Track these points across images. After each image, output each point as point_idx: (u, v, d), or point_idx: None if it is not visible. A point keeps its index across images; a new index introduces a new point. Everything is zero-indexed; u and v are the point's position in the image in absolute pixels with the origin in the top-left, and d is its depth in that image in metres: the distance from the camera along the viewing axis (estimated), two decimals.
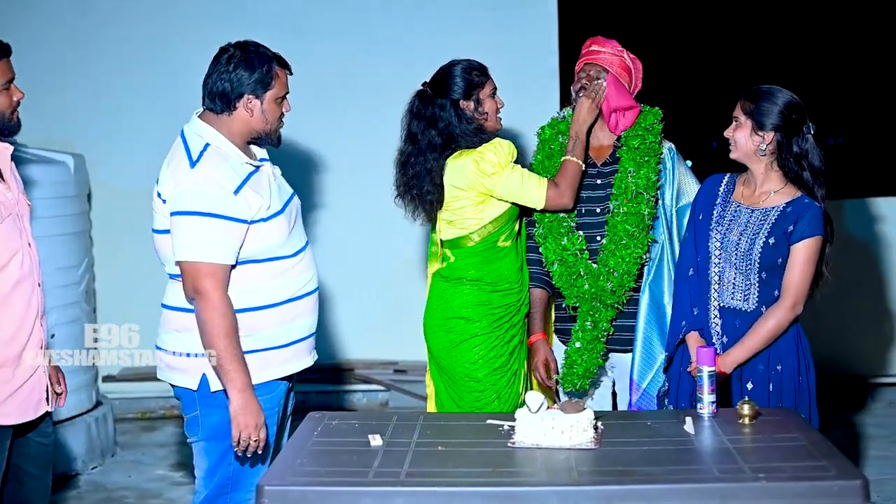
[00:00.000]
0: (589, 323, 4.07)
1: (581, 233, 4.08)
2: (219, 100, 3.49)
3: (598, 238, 4.06)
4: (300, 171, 6.49)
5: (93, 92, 6.67)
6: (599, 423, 3.22)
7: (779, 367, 3.77)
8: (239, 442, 3.39)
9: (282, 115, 3.58)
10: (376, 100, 6.68)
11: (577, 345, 4.08)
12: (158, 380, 3.65)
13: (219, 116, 3.51)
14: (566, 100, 6.45)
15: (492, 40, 6.63)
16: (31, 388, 3.33)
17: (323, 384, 6.70)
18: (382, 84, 6.65)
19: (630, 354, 4.13)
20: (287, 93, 3.58)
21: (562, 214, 4.07)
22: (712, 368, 3.36)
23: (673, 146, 4.18)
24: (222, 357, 3.37)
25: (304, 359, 3.66)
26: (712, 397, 3.35)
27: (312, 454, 3.09)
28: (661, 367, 4.03)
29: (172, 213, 3.40)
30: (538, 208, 4.04)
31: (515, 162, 4.05)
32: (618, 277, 4.03)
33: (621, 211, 4.01)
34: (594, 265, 4.05)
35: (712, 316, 3.84)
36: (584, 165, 4.05)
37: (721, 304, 3.83)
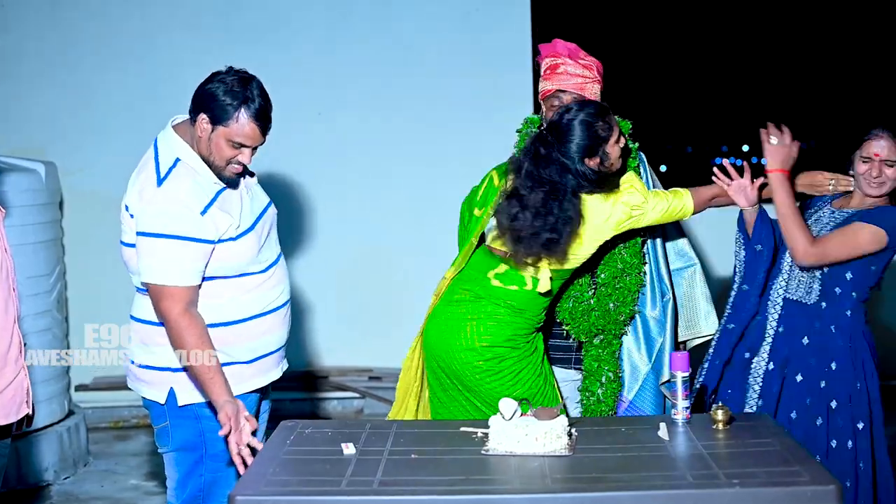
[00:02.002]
0: (605, 356, 4.04)
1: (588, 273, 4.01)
2: (191, 105, 3.44)
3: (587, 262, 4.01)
4: (276, 178, 6.46)
5: (65, 100, 6.62)
6: (573, 430, 3.21)
7: (833, 366, 3.80)
8: (233, 451, 3.34)
9: (232, 160, 3.41)
10: (352, 106, 6.67)
11: (604, 378, 4.03)
12: (131, 389, 3.64)
13: (188, 126, 3.47)
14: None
15: (465, 40, 6.65)
16: (14, 392, 3.32)
17: (297, 392, 6.68)
18: (357, 90, 6.65)
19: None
20: (248, 146, 3.40)
21: None
22: (686, 374, 3.37)
23: (642, 154, 4.17)
24: (195, 371, 3.36)
25: (272, 371, 3.65)
26: (686, 403, 3.35)
27: (285, 463, 3.07)
28: (646, 378, 4.03)
29: (138, 233, 3.38)
30: (685, 216, 4.01)
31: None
32: (625, 308, 4.02)
33: (616, 248, 4.00)
34: (597, 299, 4.02)
35: (772, 305, 3.94)
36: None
37: (786, 295, 3.93)
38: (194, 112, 3.41)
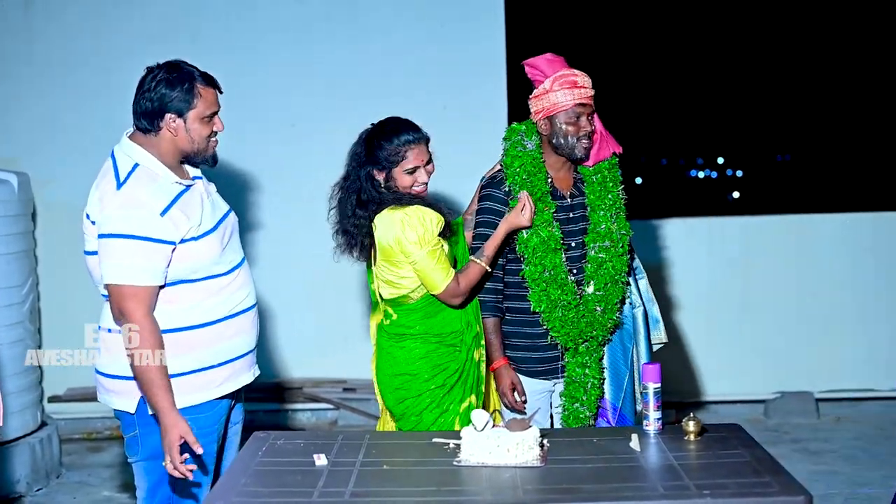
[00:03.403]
0: (591, 362, 4.05)
1: (572, 279, 4.01)
2: (144, 119, 3.49)
3: (575, 272, 4.01)
4: (241, 188, 6.46)
5: (38, 111, 6.59)
6: (545, 441, 3.22)
7: None
8: (170, 464, 3.35)
9: (212, 133, 3.55)
10: (318, 118, 6.66)
11: (589, 385, 4.04)
12: (100, 401, 3.62)
13: (147, 136, 3.50)
14: (515, 111, 6.49)
15: (438, 55, 6.65)
16: None
17: (270, 403, 6.65)
18: (324, 102, 6.65)
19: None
20: (216, 111, 3.55)
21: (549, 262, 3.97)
22: (657, 385, 3.38)
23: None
24: (144, 379, 3.37)
25: (243, 375, 3.65)
26: (658, 414, 3.37)
27: (257, 474, 3.07)
28: (628, 386, 4.05)
29: (99, 236, 3.40)
30: (432, 293, 3.85)
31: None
32: (612, 314, 4.05)
33: (606, 256, 4.00)
34: (584, 306, 4.02)
35: None
36: (490, 270, 3.90)
37: None
38: (154, 120, 3.47)
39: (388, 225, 3.76)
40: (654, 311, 4.30)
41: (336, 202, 3.98)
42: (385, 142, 3.82)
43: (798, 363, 6.85)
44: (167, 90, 3.46)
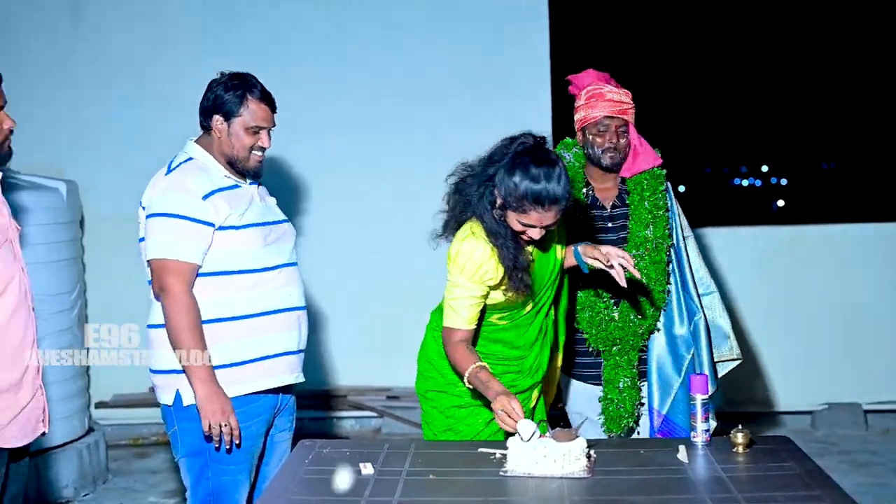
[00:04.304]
0: (622, 363, 4.10)
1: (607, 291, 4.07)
2: (201, 116, 3.70)
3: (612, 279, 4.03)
4: (292, 195, 6.49)
5: (85, 119, 6.67)
6: (592, 452, 3.20)
7: None
8: (210, 431, 3.51)
9: (255, 147, 3.66)
10: (372, 126, 6.70)
11: (621, 385, 4.11)
12: (150, 406, 3.70)
13: (205, 136, 3.70)
14: (558, 113, 6.48)
15: (480, 61, 6.66)
16: (30, 413, 3.35)
17: (315, 410, 6.68)
18: (374, 110, 6.68)
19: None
20: (264, 127, 3.67)
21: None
22: (706, 396, 3.36)
23: (668, 183, 4.20)
24: (183, 349, 3.51)
25: (281, 375, 3.70)
26: (706, 425, 3.34)
27: (304, 483, 3.07)
28: (678, 393, 4.05)
29: (147, 217, 3.59)
30: (441, 324, 3.67)
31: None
32: (645, 321, 4.09)
33: (640, 265, 4.01)
34: (620, 311, 4.08)
35: None
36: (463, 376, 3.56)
37: None
38: (206, 120, 3.67)
39: (457, 235, 3.60)
40: (724, 326, 4.29)
41: (452, 186, 3.64)
42: (519, 185, 3.34)
43: (846, 374, 6.79)
44: (222, 93, 3.64)
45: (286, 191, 6.39)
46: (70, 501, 5.65)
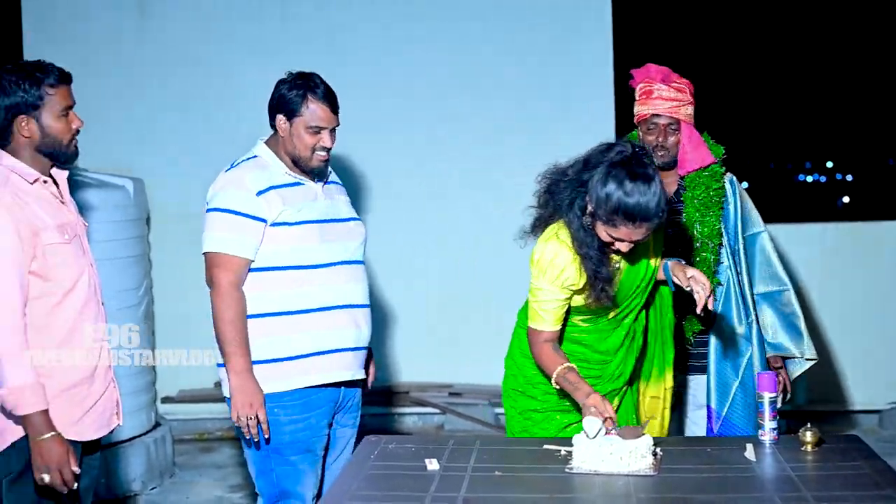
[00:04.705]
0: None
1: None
2: (269, 116, 3.75)
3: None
4: (364, 190, 6.53)
5: (152, 117, 6.74)
6: (658, 450, 3.18)
7: None
8: (238, 422, 3.60)
9: (317, 146, 3.68)
10: (436, 127, 6.71)
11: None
12: (216, 401, 3.76)
13: (273, 135, 3.76)
14: (622, 114, 6.45)
15: (544, 57, 6.65)
16: (104, 406, 3.41)
17: (377, 406, 6.70)
18: (441, 109, 6.70)
19: (704, 377, 4.15)
20: (325, 127, 3.68)
21: None
22: (773, 394, 3.33)
23: (734, 177, 4.16)
24: (223, 342, 3.60)
25: (334, 372, 3.73)
26: (773, 423, 3.31)
27: (370, 478, 3.09)
28: (738, 395, 4.02)
29: (205, 212, 3.69)
30: (525, 324, 3.63)
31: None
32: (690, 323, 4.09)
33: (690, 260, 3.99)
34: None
35: None
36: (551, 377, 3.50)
37: None
38: (272, 119, 3.72)
39: (542, 237, 3.53)
40: (800, 325, 4.22)
41: (545, 186, 3.57)
42: (611, 197, 3.24)
43: None
44: (285, 92, 3.69)
45: (361, 187, 6.43)
46: (137, 495, 5.73)
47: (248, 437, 3.65)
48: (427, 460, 3.16)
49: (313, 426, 3.70)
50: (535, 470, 3.12)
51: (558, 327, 3.53)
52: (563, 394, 3.49)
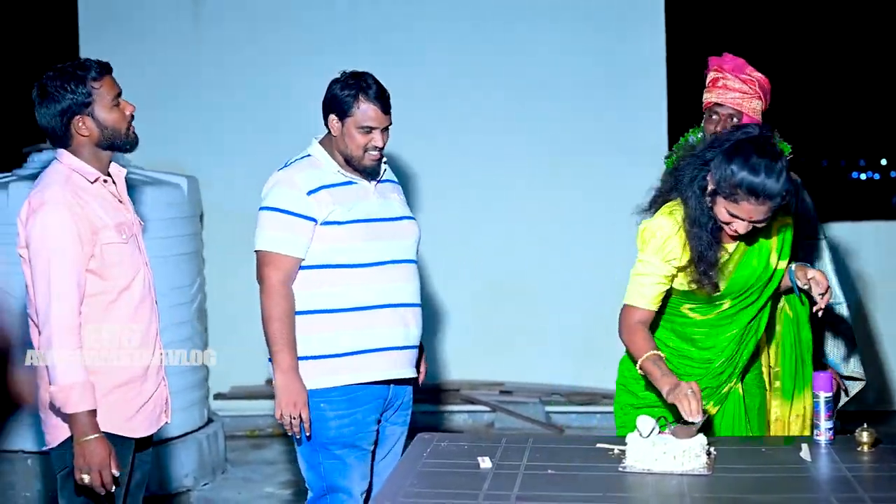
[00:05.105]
0: None
1: None
2: (322, 115, 3.76)
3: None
4: (420, 188, 6.55)
5: (207, 117, 6.81)
6: (712, 449, 3.16)
7: None
8: (281, 419, 3.64)
9: (368, 146, 3.69)
10: (487, 126, 6.73)
11: None
12: (267, 398, 3.80)
13: (327, 135, 3.77)
14: (675, 110, 6.42)
15: (598, 55, 6.64)
16: (155, 404, 3.44)
17: (427, 404, 6.71)
18: (491, 110, 6.71)
19: None
20: (375, 126, 3.68)
21: None
22: (829, 394, 3.29)
23: (797, 178, 4.08)
24: (270, 340, 3.64)
25: (383, 370, 3.74)
26: (829, 423, 3.27)
27: (422, 475, 3.09)
28: None
29: (259, 210, 3.72)
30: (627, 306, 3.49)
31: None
32: None
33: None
34: None
35: None
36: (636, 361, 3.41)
37: None
38: (326, 118, 3.73)
39: (657, 215, 3.46)
40: (852, 342, 4.19)
41: (671, 167, 3.54)
42: (736, 172, 3.20)
43: None
44: (338, 91, 3.71)
45: (412, 187, 6.45)
46: (190, 491, 5.77)
47: (290, 435, 3.69)
48: (480, 458, 3.16)
49: (359, 422, 3.72)
50: (588, 469, 3.11)
51: (654, 308, 3.43)
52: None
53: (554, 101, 6.70)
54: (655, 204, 3.50)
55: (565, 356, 6.76)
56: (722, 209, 3.27)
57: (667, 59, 6.59)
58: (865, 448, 3.18)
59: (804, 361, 3.78)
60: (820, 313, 3.41)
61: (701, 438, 3.09)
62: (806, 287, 3.40)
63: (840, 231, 6.72)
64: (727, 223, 3.29)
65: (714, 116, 3.97)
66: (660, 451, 3.05)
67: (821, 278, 3.37)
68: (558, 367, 6.79)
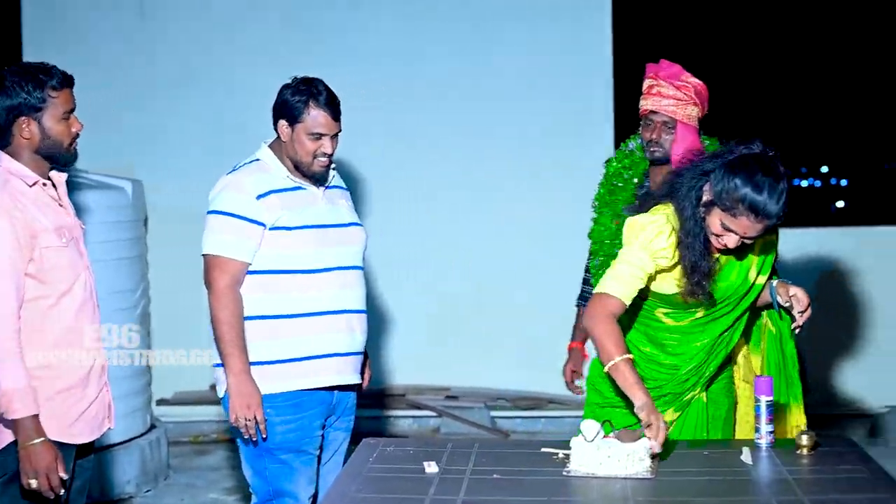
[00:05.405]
0: None
1: None
2: (272, 120, 3.75)
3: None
4: (359, 192, 6.54)
5: (152, 119, 6.75)
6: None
7: None
8: (236, 423, 3.63)
9: (317, 152, 3.68)
10: (436, 129, 6.73)
11: None
12: (211, 403, 3.78)
13: (276, 139, 3.76)
14: (621, 118, 6.47)
15: (544, 58, 6.67)
16: (97, 409, 3.41)
17: (372, 409, 6.70)
18: (436, 112, 6.71)
19: None
20: (325, 133, 3.68)
21: None
22: (770, 398, 3.33)
23: None
24: (220, 343, 3.63)
25: (327, 376, 3.74)
26: (770, 427, 3.31)
27: (368, 480, 3.09)
28: None
29: (206, 214, 3.71)
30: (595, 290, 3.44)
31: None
32: None
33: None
34: None
35: None
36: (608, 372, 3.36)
37: None
38: (275, 123, 3.73)
39: (650, 212, 3.41)
40: None
41: (672, 175, 3.48)
42: (740, 187, 3.16)
43: None
44: (288, 97, 3.69)
45: (359, 192, 6.45)
46: (132, 497, 5.72)
47: (245, 438, 3.67)
48: (426, 463, 3.16)
49: (305, 427, 3.73)
50: (533, 473, 3.12)
51: (627, 303, 3.34)
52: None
53: (506, 105, 6.74)
54: (647, 205, 3.46)
55: (511, 361, 6.78)
56: (716, 220, 3.24)
57: (613, 60, 6.64)
58: (805, 451, 3.22)
59: (790, 378, 3.73)
60: (797, 330, 3.44)
61: (645, 442, 3.11)
62: (787, 304, 3.44)
63: (782, 238, 6.78)
64: (718, 235, 3.26)
65: (649, 123, 3.98)
66: (604, 455, 3.07)
67: (802, 296, 3.43)
68: (504, 372, 6.81)
